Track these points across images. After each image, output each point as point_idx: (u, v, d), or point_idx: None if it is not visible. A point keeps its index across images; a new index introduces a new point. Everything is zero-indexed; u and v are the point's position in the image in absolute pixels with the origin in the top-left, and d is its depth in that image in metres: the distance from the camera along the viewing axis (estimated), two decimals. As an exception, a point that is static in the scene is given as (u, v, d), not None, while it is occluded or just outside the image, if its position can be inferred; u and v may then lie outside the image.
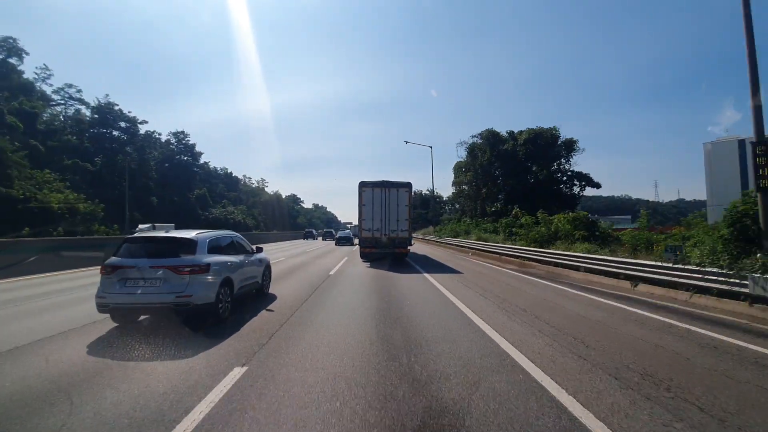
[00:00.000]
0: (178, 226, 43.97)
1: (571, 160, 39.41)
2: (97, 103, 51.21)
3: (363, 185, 16.59)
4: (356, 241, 25.40)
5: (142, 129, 56.81)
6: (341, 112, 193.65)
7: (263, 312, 6.97)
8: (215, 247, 6.58)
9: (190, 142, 64.44)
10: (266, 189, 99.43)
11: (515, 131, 40.88)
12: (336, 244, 33.93)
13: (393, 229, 16.26)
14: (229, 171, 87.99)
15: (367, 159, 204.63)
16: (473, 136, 43.03)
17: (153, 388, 3.58)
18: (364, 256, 16.86)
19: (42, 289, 9.70)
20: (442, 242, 34.29)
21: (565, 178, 39.75)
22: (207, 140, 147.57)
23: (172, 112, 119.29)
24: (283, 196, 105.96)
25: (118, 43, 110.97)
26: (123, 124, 53.66)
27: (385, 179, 16.83)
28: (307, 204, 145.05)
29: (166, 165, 58.42)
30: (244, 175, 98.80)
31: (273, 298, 8.35)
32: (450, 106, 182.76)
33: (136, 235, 6.45)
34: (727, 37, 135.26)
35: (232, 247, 7.31)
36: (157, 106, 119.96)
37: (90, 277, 11.20)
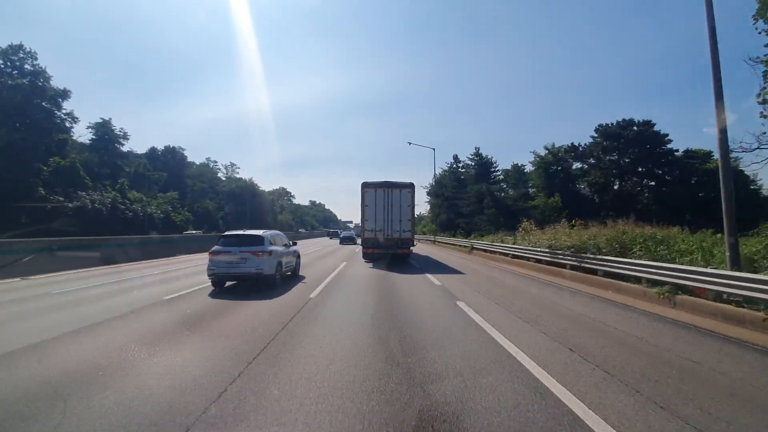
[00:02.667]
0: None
1: None
2: None
3: (366, 186, 16.86)
4: (359, 240, 25.64)
5: None
6: (341, 110, 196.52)
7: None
8: (272, 241, 10.43)
9: (39, 68, 34.75)
10: (238, 176, 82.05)
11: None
12: (340, 243, 36.38)
13: (396, 229, 16.53)
14: (171, 146, 65.96)
15: (370, 157, 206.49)
16: None
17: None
18: (367, 256, 17.36)
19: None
20: None
21: None
22: (205, 138, 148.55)
23: (168, 110, 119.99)
24: (267, 189, 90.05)
25: (113, 38, 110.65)
26: None
27: (387, 180, 17.18)
28: (303, 201, 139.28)
29: None
30: (208, 158, 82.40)
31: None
32: (456, 103, 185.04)
33: (227, 233, 10.28)
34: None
35: (280, 241, 11.18)
36: (153, 103, 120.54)
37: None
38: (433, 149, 38.42)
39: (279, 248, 10.69)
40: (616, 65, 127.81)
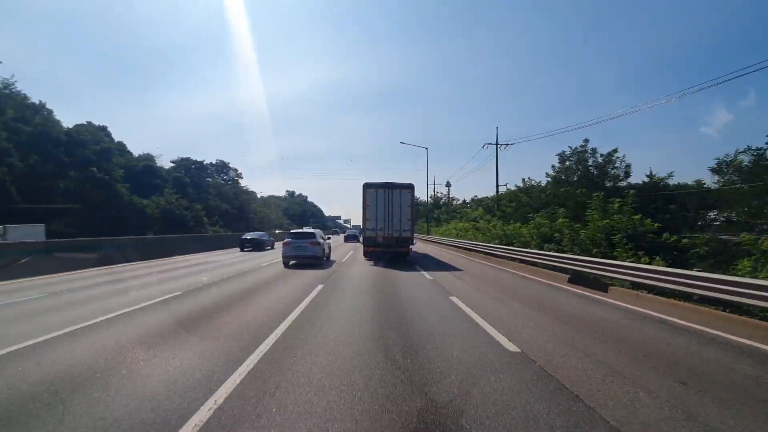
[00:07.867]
0: None
1: None
2: None
3: (367, 186, 17.43)
4: (361, 239, 25.64)
5: None
6: (331, 106, 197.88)
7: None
8: (318, 235, 16.01)
9: None
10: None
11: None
12: (344, 241, 40.43)
13: (396, 229, 17.16)
14: None
15: (359, 153, 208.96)
16: None
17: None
18: (368, 254, 17.83)
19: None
20: None
21: None
22: (197, 134, 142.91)
23: (160, 104, 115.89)
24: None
25: (100, 30, 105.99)
26: None
27: (388, 180, 17.85)
28: (280, 192, 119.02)
29: None
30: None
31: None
32: (452, 97, 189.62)
33: (293, 231, 15.79)
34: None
35: (321, 236, 16.77)
36: (146, 97, 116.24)
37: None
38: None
39: (322, 240, 16.30)
40: (610, 65, 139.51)
